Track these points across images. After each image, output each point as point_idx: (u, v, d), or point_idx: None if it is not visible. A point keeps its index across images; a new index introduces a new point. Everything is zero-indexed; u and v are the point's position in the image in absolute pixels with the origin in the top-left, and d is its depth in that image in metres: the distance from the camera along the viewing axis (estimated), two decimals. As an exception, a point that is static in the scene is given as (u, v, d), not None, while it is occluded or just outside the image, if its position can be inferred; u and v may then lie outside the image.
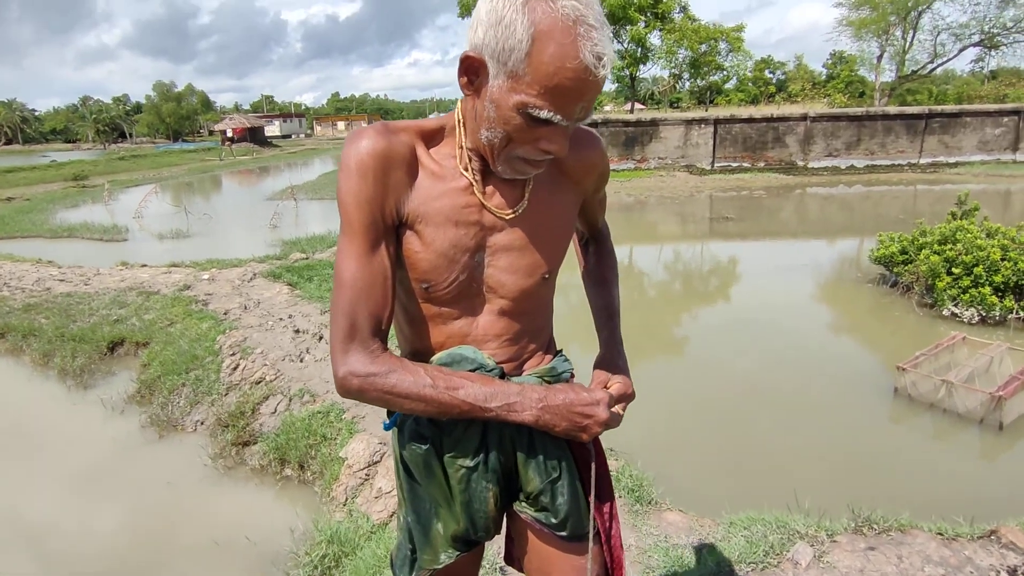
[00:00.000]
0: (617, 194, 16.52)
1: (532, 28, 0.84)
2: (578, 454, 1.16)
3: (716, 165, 19.62)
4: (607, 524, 1.19)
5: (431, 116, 1.37)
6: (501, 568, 2.41)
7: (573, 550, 1.16)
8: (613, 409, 1.05)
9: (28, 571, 3.10)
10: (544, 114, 0.88)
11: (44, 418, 4.82)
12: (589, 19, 0.84)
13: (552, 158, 0.97)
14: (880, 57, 31.62)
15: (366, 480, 3.30)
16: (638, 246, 11.04)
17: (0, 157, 49.80)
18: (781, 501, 2.94)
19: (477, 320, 1.10)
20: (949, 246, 6.11)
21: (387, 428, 1.17)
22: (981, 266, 5.75)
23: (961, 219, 6.65)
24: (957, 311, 5.85)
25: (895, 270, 6.75)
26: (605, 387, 1.13)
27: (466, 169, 1.03)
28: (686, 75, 33.48)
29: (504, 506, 1.19)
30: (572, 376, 1.20)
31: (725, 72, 33.76)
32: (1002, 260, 5.71)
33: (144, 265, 8.84)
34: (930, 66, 31.05)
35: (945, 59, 30.56)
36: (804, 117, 19.52)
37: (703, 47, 30.40)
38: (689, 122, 19.76)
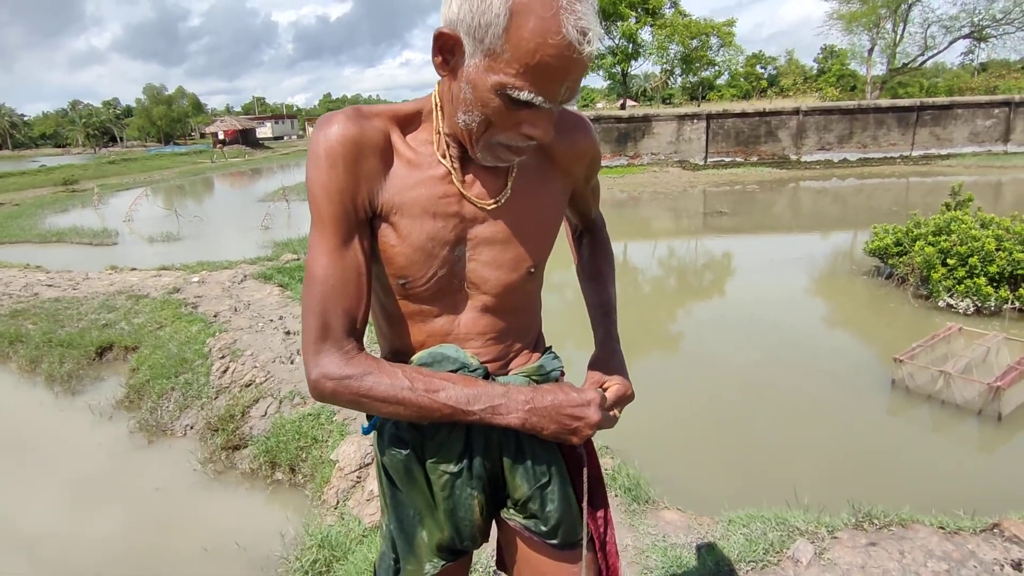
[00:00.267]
0: (610, 190, 16.48)
1: (510, 0, 0.77)
2: (569, 458, 1.10)
3: (709, 160, 19.61)
4: (601, 530, 1.12)
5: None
6: (494, 572, 2.35)
7: (565, 558, 1.10)
8: (610, 411, 1.00)
9: (13, 581, 3.03)
10: (525, 96, 0.81)
11: (31, 425, 4.74)
12: None
13: (536, 144, 0.91)
14: (871, 50, 31.69)
15: (357, 483, 3.24)
16: (632, 242, 10.99)
17: (-11, 162, 49.37)
18: (780, 497, 2.90)
19: (459, 318, 1.03)
20: (944, 237, 6.08)
21: (366, 432, 1.10)
22: (976, 256, 5.73)
23: (955, 210, 6.63)
24: (952, 302, 5.82)
25: (890, 262, 6.73)
26: (600, 388, 1.07)
27: (444, 156, 0.96)
28: (678, 71, 33.43)
29: (491, 513, 1.13)
30: (562, 375, 1.14)
31: (717, 67, 33.74)
32: (997, 250, 5.69)
33: (134, 269, 8.74)
34: (921, 59, 31.14)
35: (935, 52, 30.66)
36: (796, 111, 19.53)
37: (694, 42, 30.35)
38: (682, 117, 19.74)
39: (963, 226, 6.04)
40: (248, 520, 3.40)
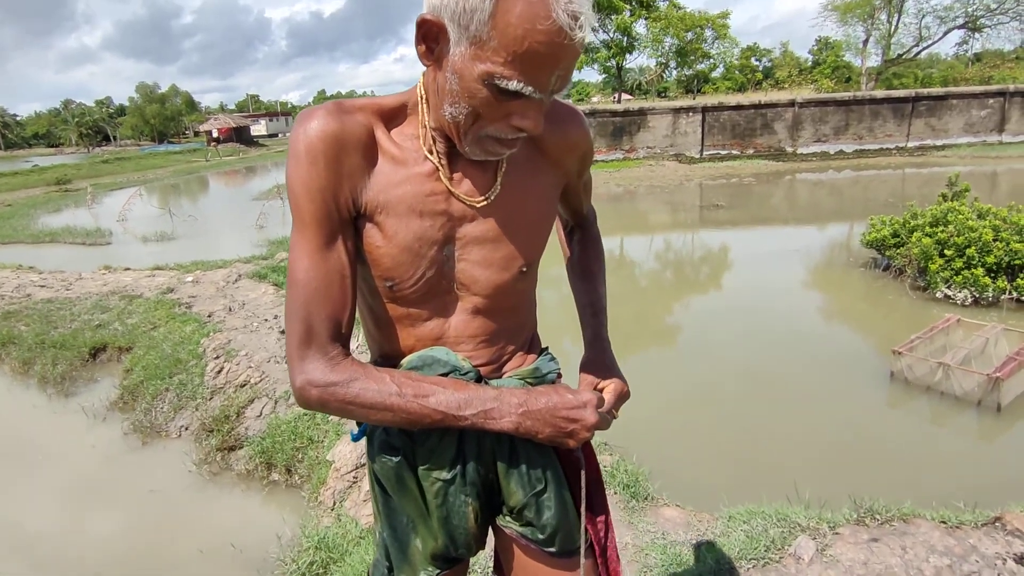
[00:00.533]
0: (606, 184, 16.43)
1: None
2: (566, 462, 1.06)
3: (705, 153, 19.57)
4: (601, 536, 1.09)
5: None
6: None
7: (563, 566, 1.07)
8: (609, 411, 0.96)
9: (6, 587, 3.00)
10: (514, 85, 0.77)
11: (25, 428, 4.69)
12: None
13: (526, 136, 0.86)
14: (866, 41, 31.67)
15: (354, 483, 3.21)
16: (629, 236, 10.96)
17: (-19, 163, 49.04)
18: (780, 492, 2.88)
19: (449, 320, 1.00)
20: (941, 228, 6.06)
21: (355, 439, 1.07)
22: (973, 247, 5.71)
23: (952, 201, 6.61)
24: (950, 293, 5.81)
25: (887, 253, 6.71)
26: (596, 388, 1.03)
27: (431, 152, 0.92)
28: (673, 64, 33.35)
29: (487, 520, 1.10)
30: (559, 377, 1.10)
31: (712, 60, 33.64)
32: (994, 241, 5.67)
33: (127, 269, 8.68)
34: (915, 49, 31.14)
35: (930, 42, 30.67)
36: (792, 103, 19.49)
37: (689, 35, 30.26)
38: (677, 111, 19.69)
39: (960, 217, 6.02)
40: (244, 521, 3.37)
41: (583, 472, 1.02)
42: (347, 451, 3.34)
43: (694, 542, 2.47)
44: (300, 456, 3.65)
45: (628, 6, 28.22)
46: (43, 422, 4.73)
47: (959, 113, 19.11)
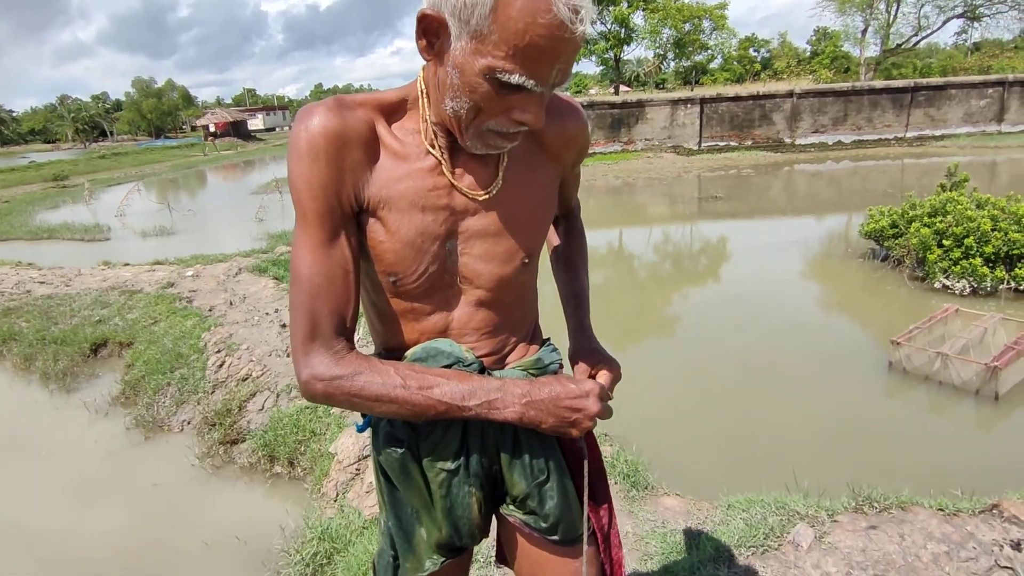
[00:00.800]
0: (605, 177, 16.42)
1: None
2: (569, 451, 1.08)
3: (703, 145, 19.54)
4: (604, 524, 1.11)
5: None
6: (496, 564, 2.34)
7: (567, 553, 1.08)
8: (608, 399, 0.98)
9: (12, 581, 3.02)
10: (515, 79, 0.78)
11: (27, 424, 4.71)
12: None
13: (527, 129, 0.87)
14: (864, 31, 31.54)
15: (357, 475, 3.23)
16: (627, 229, 10.97)
17: (-22, 159, 48.89)
18: (779, 481, 2.90)
19: (452, 314, 1.01)
20: (939, 218, 6.07)
21: (360, 430, 1.08)
22: (972, 237, 5.72)
23: (951, 191, 6.61)
24: (948, 283, 5.83)
25: (885, 244, 6.72)
26: (591, 375, 1.05)
27: (432, 146, 0.92)
28: (671, 55, 33.21)
29: (490, 510, 1.11)
30: (561, 367, 1.11)
31: (710, 51, 33.50)
32: (992, 230, 5.68)
33: (127, 264, 8.68)
34: (914, 39, 31.00)
35: (929, 32, 30.53)
36: (790, 94, 19.44)
37: (687, 26, 30.11)
38: (675, 102, 19.63)
39: (959, 207, 6.03)
40: (248, 514, 3.40)
41: (586, 461, 1.03)
42: (349, 443, 3.36)
43: (694, 530, 2.49)
44: (302, 449, 3.67)
45: (626, -3, 28.07)
46: (45, 418, 4.75)
47: (958, 103, 19.07)
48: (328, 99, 0.89)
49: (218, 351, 4.95)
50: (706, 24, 30.98)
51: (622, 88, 34.79)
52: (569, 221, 1.29)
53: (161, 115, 70.10)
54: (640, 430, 3.63)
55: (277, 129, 72.05)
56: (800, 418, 3.97)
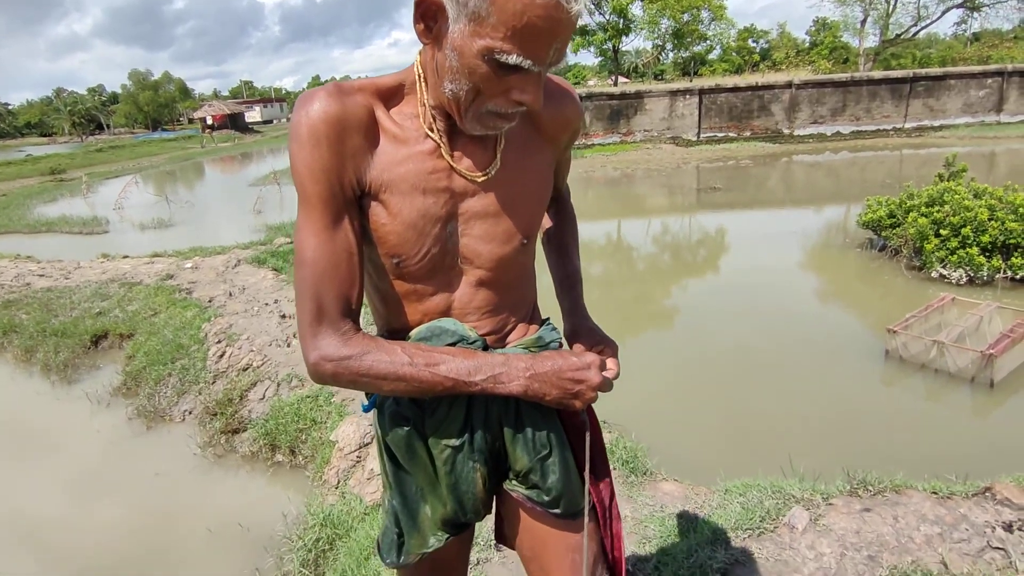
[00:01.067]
0: (603, 168, 16.41)
1: None
2: (571, 426, 1.10)
3: (702, 136, 19.51)
4: (604, 498, 1.13)
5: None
6: (496, 546, 2.38)
7: (568, 527, 1.11)
8: (604, 372, 1.00)
9: (20, 568, 3.05)
10: (513, 59, 0.79)
11: (29, 415, 4.74)
12: None
13: (525, 110, 0.89)
14: (863, 22, 31.43)
15: (358, 462, 3.26)
16: (626, 220, 10.98)
17: (-26, 152, 48.66)
18: (776, 466, 2.93)
19: (454, 294, 1.03)
20: (937, 208, 6.09)
21: (366, 410, 1.11)
22: (969, 227, 5.74)
23: (948, 181, 6.63)
24: (945, 272, 5.85)
25: (883, 234, 6.74)
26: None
27: (431, 129, 0.94)
28: (669, 46, 33.09)
29: (493, 486, 1.14)
30: (560, 346, 1.14)
31: (708, 42, 33.40)
32: (989, 220, 5.70)
33: (126, 256, 8.69)
34: (913, 29, 30.90)
35: (928, 22, 30.42)
36: (789, 85, 19.39)
37: (685, 16, 29.99)
38: (674, 93, 19.58)
39: (956, 197, 6.04)
40: (250, 502, 3.43)
41: (587, 434, 1.06)
42: (350, 431, 3.39)
43: (691, 514, 2.53)
44: (304, 437, 3.70)
45: (624, -13, 27.90)
46: (47, 409, 4.78)
47: (957, 93, 19.04)
48: (327, 85, 0.90)
49: (218, 341, 4.97)
50: (704, 14, 30.86)
51: (620, 79, 34.68)
52: (560, 204, 1.31)
53: (158, 108, 69.87)
54: (640, 417, 3.66)
55: (274, 121, 71.83)
56: (797, 405, 4.00)
